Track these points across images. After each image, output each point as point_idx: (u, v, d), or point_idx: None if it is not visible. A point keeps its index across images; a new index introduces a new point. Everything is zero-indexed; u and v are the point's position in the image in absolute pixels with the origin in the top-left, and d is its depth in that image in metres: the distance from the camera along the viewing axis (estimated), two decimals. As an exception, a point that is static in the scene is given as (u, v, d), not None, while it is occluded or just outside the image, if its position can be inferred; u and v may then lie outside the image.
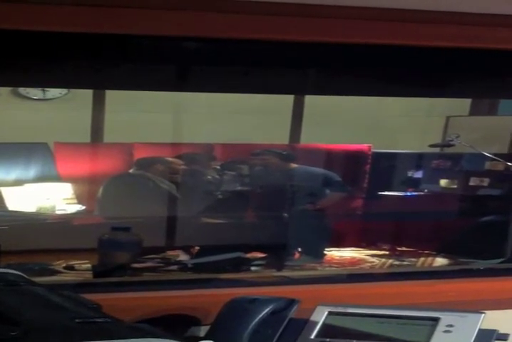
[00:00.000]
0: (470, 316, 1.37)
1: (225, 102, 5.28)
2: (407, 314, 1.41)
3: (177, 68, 2.30)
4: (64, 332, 0.96)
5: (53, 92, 5.76)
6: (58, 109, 5.64)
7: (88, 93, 5.34)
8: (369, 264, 4.82)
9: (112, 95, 5.32)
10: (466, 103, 6.24)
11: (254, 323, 1.41)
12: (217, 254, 4.01)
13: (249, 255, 4.44)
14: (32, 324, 0.96)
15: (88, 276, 3.50)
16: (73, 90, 5.57)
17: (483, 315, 1.37)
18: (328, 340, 1.39)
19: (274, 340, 1.41)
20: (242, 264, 4.17)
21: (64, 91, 5.72)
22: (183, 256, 4.40)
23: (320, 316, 1.44)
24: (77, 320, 0.99)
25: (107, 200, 4.82)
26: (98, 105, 5.46)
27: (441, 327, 1.36)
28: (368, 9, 1.74)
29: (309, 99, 5.74)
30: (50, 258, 4.01)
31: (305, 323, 1.44)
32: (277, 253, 4.57)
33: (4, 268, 1.28)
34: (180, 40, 1.86)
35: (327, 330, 1.42)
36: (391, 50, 1.93)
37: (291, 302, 1.46)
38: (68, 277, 3.78)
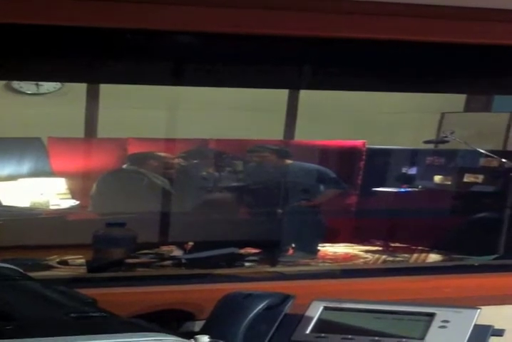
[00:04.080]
0: (466, 312, 1.37)
1: (219, 98, 5.27)
2: (403, 309, 1.41)
3: (171, 62, 2.29)
4: (59, 327, 0.95)
5: (47, 86, 5.74)
6: (52, 104, 5.63)
7: (81, 88, 5.33)
8: (363, 260, 4.82)
9: (106, 90, 5.32)
10: (460, 100, 6.24)
11: (249, 318, 1.40)
12: (212, 249, 4.01)
13: (243, 251, 4.44)
14: (27, 319, 0.96)
15: (82, 271, 3.50)
16: (66, 85, 5.56)
17: (478, 310, 1.37)
18: (323, 335, 1.39)
19: (269, 335, 1.41)
20: (236, 260, 4.17)
21: (58, 86, 5.71)
22: (177, 252, 4.40)
23: (315, 311, 1.44)
24: (72, 315, 0.99)
25: (101, 196, 4.82)
26: (92, 99, 5.44)
27: (436, 322, 1.36)
28: (362, 4, 1.74)
29: (303, 95, 5.73)
30: (44, 253, 4.01)
31: (300, 318, 1.43)
32: (271, 249, 4.58)
33: (0, 262, 1.28)
34: (175, 35, 1.86)
35: (323, 325, 1.42)
36: (385, 45, 1.92)
37: (286, 297, 1.46)
38: (62, 272, 3.78)
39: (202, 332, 1.38)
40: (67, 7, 1.60)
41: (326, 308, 1.44)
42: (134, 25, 1.68)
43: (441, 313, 1.37)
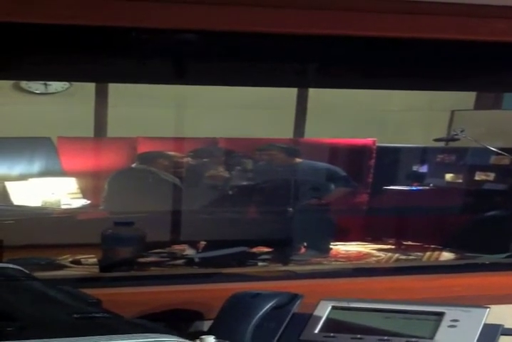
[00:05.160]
0: (475, 311, 1.36)
1: (228, 97, 5.27)
2: (412, 309, 1.40)
3: (178, 61, 2.29)
4: (62, 327, 0.95)
5: (55, 86, 5.74)
6: (61, 103, 5.63)
7: (90, 87, 5.33)
8: (375, 259, 4.81)
9: (114, 89, 5.32)
10: (470, 97, 6.22)
11: (257, 317, 1.40)
12: (224, 248, 4.01)
13: (255, 250, 4.44)
14: (29, 319, 0.96)
15: (95, 270, 3.50)
16: (75, 84, 5.56)
17: (488, 310, 1.36)
18: (332, 334, 1.38)
19: (278, 334, 1.41)
20: (248, 259, 4.17)
21: (66, 85, 5.71)
22: (189, 251, 4.40)
23: (324, 311, 1.43)
24: (75, 316, 0.99)
25: (113, 195, 4.82)
26: (101, 99, 5.45)
27: (445, 322, 1.35)
28: (370, 1, 1.73)
29: (312, 93, 5.73)
30: (57, 252, 4.02)
31: (309, 318, 1.43)
32: (283, 247, 4.57)
33: (6, 262, 1.28)
34: (182, 34, 1.85)
35: (331, 324, 1.41)
36: (394, 43, 1.92)
37: (294, 297, 1.46)
38: (75, 272, 3.78)
39: (210, 332, 1.38)
40: (71, 6, 1.60)
41: (334, 308, 1.43)
42: (139, 24, 1.68)
43: (451, 313, 1.36)
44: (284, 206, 4.92)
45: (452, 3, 1.76)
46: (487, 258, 3.49)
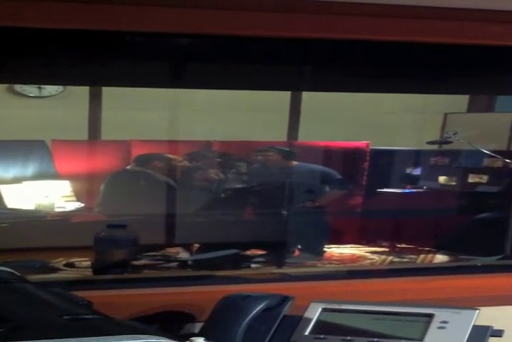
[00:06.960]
0: (465, 313, 1.37)
1: (222, 100, 5.27)
2: (401, 310, 1.40)
3: (173, 64, 2.29)
4: (52, 329, 0.95)
5: (49, 89, 5.75)
6: (55, 106, 5.64)
7: (84, 90, 5.33)
8: (369, 261, 4.82)
9: (108, 92, 5.32)
10: (463, 100, 6.24)
11: (247, 319, 1.40)
12: (218, 251, 4.01)
13: (249, 252, 4.44)
14: (20, 321, 0.96)
15: (89, 273, 3.50)
16: (69, 88, 5.57)
17: (477, 311, 1.36)
18: (322, 336, 1.39)
19: (269, 336, 1.41)
20: (242, 261, 4.17)
21: (60, 88, 5.72)
22: (183, 254, 4.40)
23: (314, 313, 1.44)
24: (66, 318, 0.99)
25: (109, 197, 4.81)
26: (95, 102, 5.45)
27: (435, 323, 1.36)
28: (364, 5, 1.74)
29: (306, 96, 5.73)
30: (50, 255, 4.01)
31: (299, 320, 1.43)
32: (277, 250, 4.57)
33: (-4, 266, 1.28)
34: (176, 37, 1.86)
35: (321, 326, 1.42)
36: (387, 46, 1.92)
37: (284, 299, 1.46)
38: (69, 274, 3.78)
39: (201, 334, 1.38)
40: (67, 10, 1.60)
41: (324, 310, 1.44)
42: (136, 28, 1.69)
43: (440, 314, 1.37)
44: (279, 209, 4.92)
45: (446, 7, 1.77)
46: (480, 261, 3.50)
